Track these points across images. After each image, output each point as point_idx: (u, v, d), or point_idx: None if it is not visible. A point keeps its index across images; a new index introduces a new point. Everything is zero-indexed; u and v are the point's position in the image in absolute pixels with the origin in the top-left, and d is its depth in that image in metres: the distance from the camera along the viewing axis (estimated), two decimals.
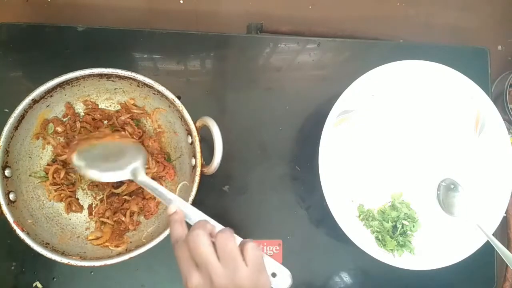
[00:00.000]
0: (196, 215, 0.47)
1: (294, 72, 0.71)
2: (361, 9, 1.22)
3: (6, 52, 0.65)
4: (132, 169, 0.52)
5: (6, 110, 0.61)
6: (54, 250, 0.52)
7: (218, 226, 0.46)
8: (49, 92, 0.54)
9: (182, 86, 0.68)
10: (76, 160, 0.53)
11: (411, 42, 0.88)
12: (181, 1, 1.16)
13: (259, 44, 0.71)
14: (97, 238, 0.58)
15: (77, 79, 0.54)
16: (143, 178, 0.51)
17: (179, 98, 0.55)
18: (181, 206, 0.48)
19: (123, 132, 0.60)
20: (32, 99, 0.52)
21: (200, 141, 0.55)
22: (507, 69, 1.16)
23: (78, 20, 1.08)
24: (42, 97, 0.54)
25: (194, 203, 0.53)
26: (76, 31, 0.67)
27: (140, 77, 0.54)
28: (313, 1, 1.20)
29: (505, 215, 0.66)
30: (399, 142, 0.66)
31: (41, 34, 0.66)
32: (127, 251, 0.52)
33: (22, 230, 0.50)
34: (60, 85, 0.54)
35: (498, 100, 1.08)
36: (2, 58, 0.65)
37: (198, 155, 0.54)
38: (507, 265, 0.72)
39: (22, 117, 0.53)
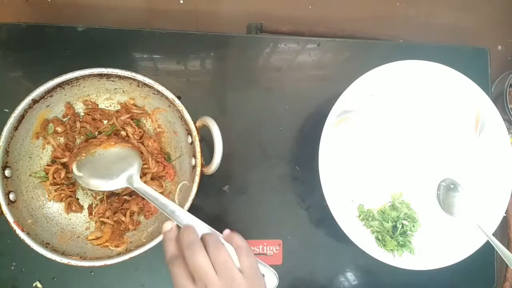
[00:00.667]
0: (190, 221, 0.48)
1: (294, 72, 0.71)
2: (361, 9, 1.22)
3: (6, 52, 0.65)
4: (127, 176, 0.55)
5: (6, 110, 0.62)
6: (54, 250, 0.52)
7: (205, 228, 0.47)
8: (49, 92, 0.54)
9: (182, 86, 0.68)
10: (76, 171, 0.56)
11: (411, 42, 0.88)
12: (181, 1, 1.16)
13: (259, 44, 0.71)
14: (97, 238, 0.58)
15: (77, 79, 0.54)
16: (138, 185, 0.54)
17: (179, 98, 0.55)
18: (176, 212, 0.49)
19: (117, 137, 0.61)
20: (32, 99, 0.52)
21: (200, 141, 0.55)
22: (507, 69, 1.16)
23: (78, 20, 1.08)
24: (42, 97, 0.54)
25: (193, 204, 0.53)
26: (76, 31, 0.67)
27: (140, 77, 0.54)
28: (313, 1, 1.20)
29: (505, 215, 0.66)
30: (399, 142, 0.66)
31: (41, 34, 0.66)
32: (127, 251, 0.52)
33: (22, 230, 0.50)
34: (60, 85, 0.54)
35: (498, 100, 1.08)
36: (2, 58, 0.65)
37: (198, 155, 0.54)
38: (507, 265, 0.72)
39: (22, 117, 0.53)
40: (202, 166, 0.54)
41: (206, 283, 0.40)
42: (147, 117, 0.62)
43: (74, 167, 0.56)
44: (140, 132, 0.61)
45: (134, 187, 0.54)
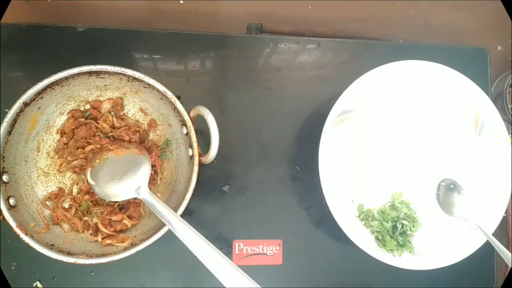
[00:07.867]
0: (193, 239, 0.48)
1: (294, 72, 0.71)
2: (361, 9, 1.21)
3: (6, 52, 0.65)
4: (136, 187, 0.55)
5: (6, 110, 0.61)
6: (59, 251, 0.52)
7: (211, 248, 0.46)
8: (39, 94, 0.54)
9: (182, 86, 0.68)
10: (89, 178, 0.56)
11: (411, 42, 0.88)
12: (181, 1, 1.16)
13: (259, 44, 0.71)
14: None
15: (66, 78, 0.54)
16: (145, 196, 0.54)
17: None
18: (180, 232, 0.49)
19: (127, 143, 0.60)
20: (23, 102, 0.52)
21: (196, 131, 0.55)
22: (507, 69, 1.16)
23: (78, 20, 1.08)
24: (33, 99, 0.54)
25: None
26: (76, 31, 0.67)
27: (129, 71, 0.54)
28: (313, 1, 1.20)
29: (505, 215, 0.66)
30: (399, 142, 0.66)
31: (41, 34, 0.66)
32: (133, 245, 0.52)
33: (26, 234, 0.50)
34: (50, 86, 0.54)
35: (498, 100, 1.08)
36: (2, 58, 0.65)
37: (195, 144, 0.54)
38: (507, 265, 0.72)
39: (14, 121, 0.53)
40: (200, 155, 0.54)
41: None
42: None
43: (88, 175, 0.56)
44: (136, 129, 0.61)
45: (142, 197, 0.54)
